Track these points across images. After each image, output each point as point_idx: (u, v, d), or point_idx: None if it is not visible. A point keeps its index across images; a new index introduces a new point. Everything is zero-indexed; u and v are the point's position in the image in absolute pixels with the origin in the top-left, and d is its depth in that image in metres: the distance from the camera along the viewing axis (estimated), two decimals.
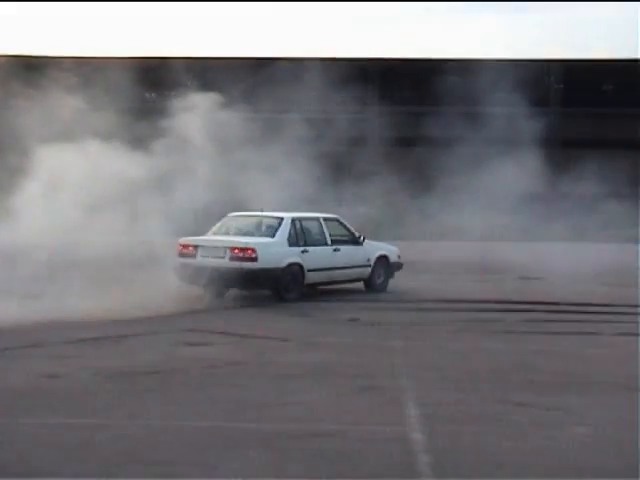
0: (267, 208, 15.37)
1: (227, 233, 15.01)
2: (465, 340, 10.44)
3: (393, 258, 16.51)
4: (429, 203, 23.35)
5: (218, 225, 15.33)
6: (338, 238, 15.54)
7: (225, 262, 13.98)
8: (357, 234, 15.93)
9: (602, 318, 12.55)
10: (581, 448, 5.75)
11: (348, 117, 25.61)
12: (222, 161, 15.89)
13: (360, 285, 15.81)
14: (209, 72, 22.20)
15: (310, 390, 7.39)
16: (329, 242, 15.27)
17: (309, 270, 14.56)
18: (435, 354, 9.39)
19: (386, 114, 28.63)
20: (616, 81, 45.84)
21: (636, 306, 13.92)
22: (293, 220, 14.81)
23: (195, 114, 16.32)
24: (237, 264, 13.84)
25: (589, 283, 17.58)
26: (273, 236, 14.49)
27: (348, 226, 15.99)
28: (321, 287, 15.20)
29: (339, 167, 23.14)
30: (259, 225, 15.09)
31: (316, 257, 14.78)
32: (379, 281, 16.14)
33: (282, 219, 14.77)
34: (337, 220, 15.98)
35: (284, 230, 14.58)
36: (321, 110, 22.81)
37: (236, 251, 13.99)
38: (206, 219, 15.51)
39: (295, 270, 14.37)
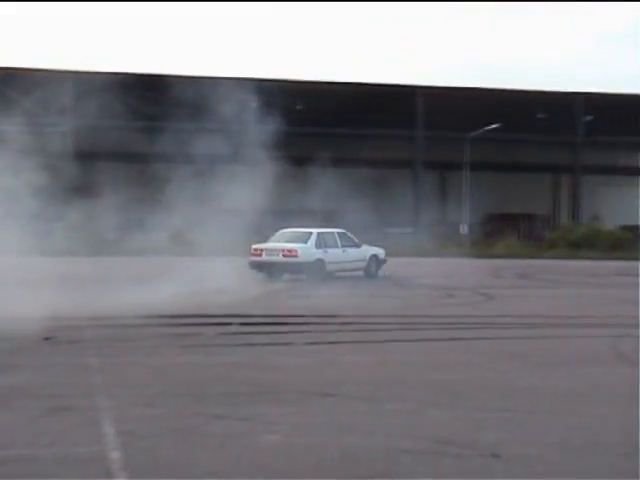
0: None
1: (279, 241, 24.27)
2: (164, 355, 10.43)
3: (381, 256, 25.98)
4: (136, 219, 23.09)
5: (273, 237, 24.83)
6: (345, 243, 24.86)
7: (280, 258, 23.41)
8: (357, 241, 25.42)
9: (294, 329, 13.06)
10: (272, 455, 5.95)
11: (63, 130, 24.76)
12: None
13: None
14: None
15: None
16: (340, 246, 24.58)
17: (328, 262, 23.89)
18: (133, 370, 9.30)
19: (107, 128, 27.98)
20: (307, 102, 48.12)
21: (322, 316, 14.63)
22: (318, 233, 24.41)
23: None
24: (286, 259, 23.35)
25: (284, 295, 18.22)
26: (307, 242, 23.95)
27: (352, 236, 25.51)
28: None
29: (49, 181, 22.25)
30: (298, 236, 24.40)
31: (332, 255, 24.10)
32: (372, 270, 25.35)
33: (312, 232, 24.42)
34: (345, 233, 25.46)
35: (313, 239, 24.08)
36: (36, 122, 21.80)
37: (286, 251, 23.49)
38: None
39: (320, 262, 23.63)
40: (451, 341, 12.04)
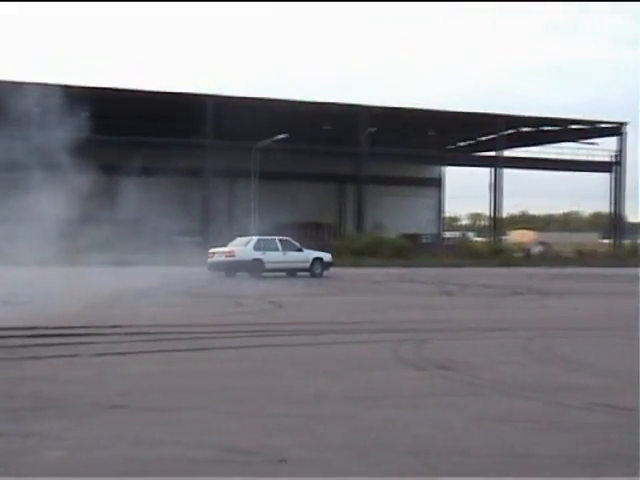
0: None
1: (227, 246, 31.67)
2: None
3: (326, 259, 32.53)
4: None
5: (229, 243, 32.03)
6: (287, 248, 31.61)
7: (224, 258, 30.55)
8: (299, 246, 32.26)
9: (80, 340, 12.70)
10: (56, 471, 5.77)
11: None
12: None
13: None
14: None
15: None
16: (280, 249, 31.38)
17: (267, 262, 30.76)
18: None
19: None
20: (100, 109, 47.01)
21: (111, 326, 14.32)
22: (258, 239, 31.72)
23: None
24: (227, 259, 30.42)
25: (69, 306, 17.69)
26: (246, 245, 31.15)
27: (295, 242, 32.41)
28: None
29: None
30: (243, 241, 31.98)
31: (271, 256, 30.87)
32: (317, 272, 31.64)
33: (252, 238, 32.13)
34: (288, 239, 32.27)
35: (252, 243, 31.22)
36: None
37: (227, 253, 30.83)
38: None
39: (258, 262, 30.52)
40: (239, 349, 12.12)
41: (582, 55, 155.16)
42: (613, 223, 66.75)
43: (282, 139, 50.10)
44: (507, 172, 64.82)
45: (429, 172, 71.09)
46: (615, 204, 65.85)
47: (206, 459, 6.07)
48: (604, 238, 75.55)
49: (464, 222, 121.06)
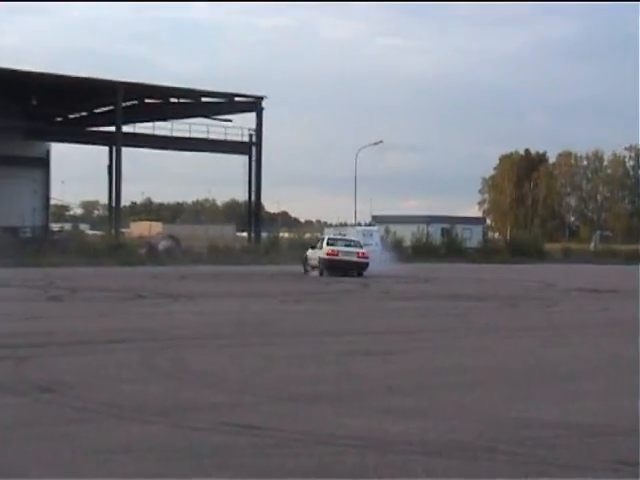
0: None
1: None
2: None
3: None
4: None
5: None
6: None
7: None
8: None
9: None
10: None
11: None
12: None
13: None
14: None
15: None
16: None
17: None
18: None
19: None
20: None
21: None
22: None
23: None
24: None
25: None
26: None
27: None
28: None
29: None
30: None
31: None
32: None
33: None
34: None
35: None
36: None
37: None
38: None
39: None
40: None
41: (208, 19, 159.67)
42: (251, 213, 68.83)
43: None
44: (129, 152, 65.23)
45: (32, 150, 69.38)
46: (253, 191, 67.80)
47: None
48: (241, 231, 78.51)
49: (77, 212, 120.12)
